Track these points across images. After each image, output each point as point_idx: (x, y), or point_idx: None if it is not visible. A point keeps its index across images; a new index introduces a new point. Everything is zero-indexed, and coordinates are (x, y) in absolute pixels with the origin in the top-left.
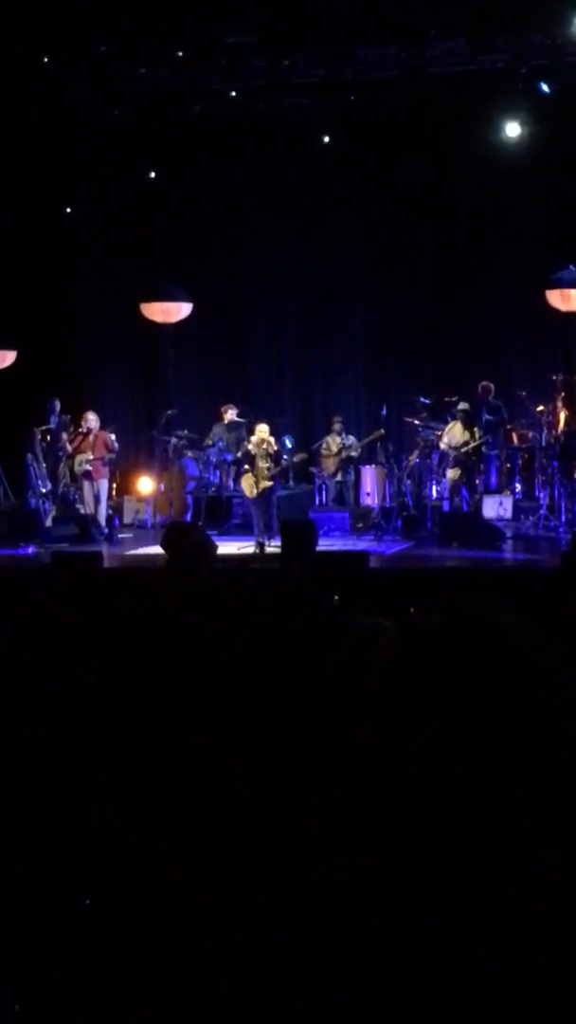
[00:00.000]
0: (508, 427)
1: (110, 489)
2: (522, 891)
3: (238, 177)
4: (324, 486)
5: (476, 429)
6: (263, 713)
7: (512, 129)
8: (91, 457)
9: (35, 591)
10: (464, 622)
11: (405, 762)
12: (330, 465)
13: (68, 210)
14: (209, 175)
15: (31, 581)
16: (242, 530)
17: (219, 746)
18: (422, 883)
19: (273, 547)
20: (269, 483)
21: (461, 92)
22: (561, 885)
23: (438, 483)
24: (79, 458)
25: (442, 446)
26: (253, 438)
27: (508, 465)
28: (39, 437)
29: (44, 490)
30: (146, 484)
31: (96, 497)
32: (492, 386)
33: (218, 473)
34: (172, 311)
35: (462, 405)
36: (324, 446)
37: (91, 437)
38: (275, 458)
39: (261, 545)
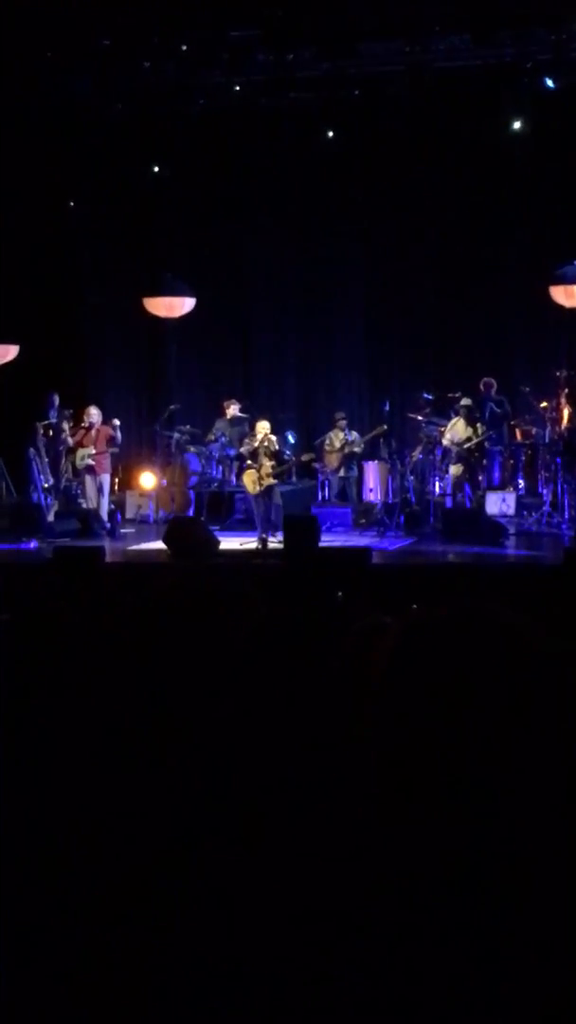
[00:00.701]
0: (511, 423)
1: (112, 484)
2: (523, 886)
3: (241, 172)
4: (327, 482)
5: (479, 425)
6: (265, 709)
7: (516, 124)
8: (93, 452)
9: (37, 586)
10: (467, 618)
11: (409, 758)
12: (333, 461)
13: (71, 204)
14: (212, 170)
15: (33, 576)
16: (244, 525)
17: (221, 743)
18: (426, 878)
19: (276, 543)
20: (272, 480)
21: (465, 87)
22: (561, 880)
23: (441, 479)
24: (81, 452)
25: (445, 442)
26: (256, 435)
27: (511, 461)
28: (41, 432)
29: (46, 485)
30: (148, 479)
31: (98, 492)
32: (495, 382)
33: (220, 468)
34: (175, 306)
35: (465, 401)
36: (327, 442)
37: (93, 431)
38: (277, 456)
39: (264, 541)
